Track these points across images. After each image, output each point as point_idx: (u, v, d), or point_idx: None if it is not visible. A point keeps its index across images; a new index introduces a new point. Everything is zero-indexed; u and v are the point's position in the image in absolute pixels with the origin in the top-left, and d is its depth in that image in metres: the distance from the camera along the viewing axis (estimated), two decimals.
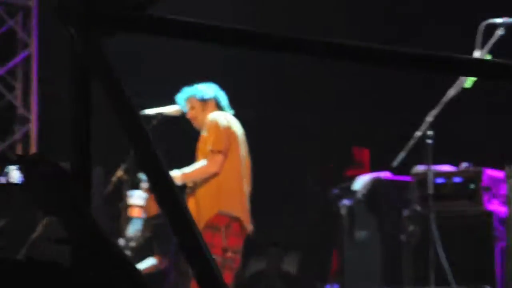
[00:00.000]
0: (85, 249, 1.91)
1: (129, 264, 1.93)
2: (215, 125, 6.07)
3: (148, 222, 7.71)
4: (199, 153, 6.15)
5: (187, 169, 5.99)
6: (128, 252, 7.54)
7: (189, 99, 6.25)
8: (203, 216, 5.98)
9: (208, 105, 6.19)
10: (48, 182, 1.93)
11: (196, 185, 6.05)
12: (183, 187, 6.01)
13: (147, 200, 7.53)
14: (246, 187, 6.13)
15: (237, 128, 6.15)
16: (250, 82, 9.80)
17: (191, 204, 6.02)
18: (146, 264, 7.55)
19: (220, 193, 5.99)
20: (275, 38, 1.90)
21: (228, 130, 6.07)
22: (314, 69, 10.61)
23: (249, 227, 6.08)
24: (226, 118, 6.12)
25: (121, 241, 7.38)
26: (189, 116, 6.25)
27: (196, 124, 6.24)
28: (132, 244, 7.64)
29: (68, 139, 2.03)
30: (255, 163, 6.24)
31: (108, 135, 9.18)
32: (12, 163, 1.97)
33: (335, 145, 10.90)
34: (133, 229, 7.75)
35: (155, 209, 7.51)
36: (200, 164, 5.99)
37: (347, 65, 9.98)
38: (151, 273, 7.44)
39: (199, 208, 6.00)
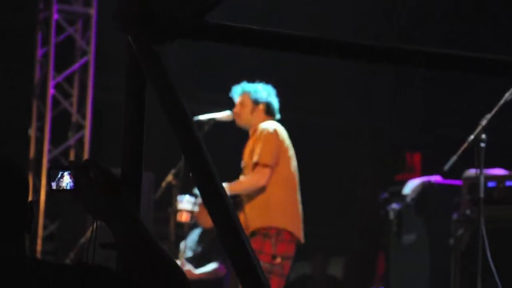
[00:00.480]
0: (133, 254, 1.92)
1: (178, 269, 1.93)
2: (266, 137, 6.06)
3: (206, 233, 7.75)
4: (246, 158, 6.14)
5: (235, 182, 6.00)
6: (189, 260, 7.60)
7: (243, 94, 6.25)
8: (250, 227, 6.00)
9: (257, 108, 6.19)
10: (99, 188, 1.94)
11: (243, 199, 6.06)
12: (232, 198, 6.03)
13: (204, 211, 7.58)
14: (299, 198, 6.12)
15: (287, 138, 6.14)
16: (297, 85, 9.79)
17: (239, 216, 6.04)
18: (205, 269, 7.58)
19: (269, 207, 6.00)
20: (335, 44, 1.90)
21: (278, 142, 6.06)
22: (368, 73, 10.59)
23: (301, 237, 6.07)
24: (277, 129, 6.11)
25: (181, 247, 7.44)
26: (234, 110, 6.25)
27: (238, 121, 6.24)
28: (189, 254, 7.69)
29: (120, 144, 2.04)
30: (304, 167, 6.23)
31: (159, 139, 9.26)
32: (64, 168, 1.99)
33: (387, 149, 10.85)
34: (191, 239, 7.80)
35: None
36: (247, 177, 5.99)
37: (399, 68, 9.96)
38: (209, 280, 7.47)
39: (247, 221, 6.01)
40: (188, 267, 7.30)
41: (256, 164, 5.99)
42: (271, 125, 6.14)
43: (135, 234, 1.94)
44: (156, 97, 1.91)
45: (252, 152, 6.09)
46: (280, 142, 6.09)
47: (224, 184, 5.98)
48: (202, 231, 7.85)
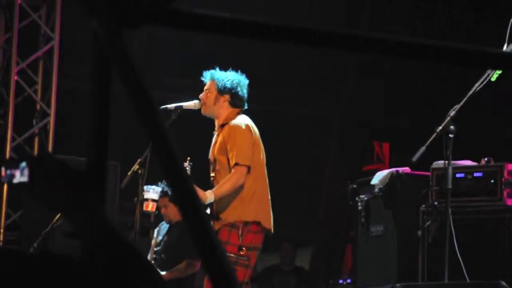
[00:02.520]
0: (95, 244, 1.88)
1: (144, 260, 1.90)
2: (240, 135, 5.99)
3: (175, 226, 7.70)
4: (215, 153, 6.07)
5: (217, 187, 5.96)
6: (157, 256, 7.55)
7: (211, 81, 6.16)
8: (221, 222, 5.98)
9: (221, 98, 6.10)
10: (54, 180, 1.90)
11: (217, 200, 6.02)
12: None
13: (173, 205, 7.53)
14: (268, 189, 6.09)
15: (257, 131, 6.10)
16: (266, 75, 9.76)
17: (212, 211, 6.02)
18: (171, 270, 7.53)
19: (242, 201, 5.97)
20: (308, 31, 1.85)
21: (252, 139, 6.01)
22: (335, 62, 10.58)
23: (270, 227, 6.04)
24: (249, 124, 6.05)
25: (153, 235, 7.38)
26: (201, 96, 6.16)
27: (204, 109, 6.15)
28: (158, 248, 7.64)
29: (85, 133, 1.99)
30: (271, 158, 6.19)
31: (125, 128, 9.19)
32: (18, 161, 1.95)
33: (355, 140, 10.86)
34: (162, 231, 7.76)
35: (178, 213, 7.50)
36: (227, 179, 5.94)
37: (368, 58, 9.97)
38: (180, 278, 7.44)
39: (219, 215, 5.98)
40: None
41: (235, 165, 5.95)
42: (242, 120, 6.07)
43: (95, 224, 1.89)
44: (121, 83, 1.86)
45: (222, 148, 6.02)
46: (253, 138, 6.04)
47: (209, 191, 5.95)
48: (169, 226, 7.80)
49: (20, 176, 1.93)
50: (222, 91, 6.10)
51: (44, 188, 1.92)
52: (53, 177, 1.92)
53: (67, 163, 1.95)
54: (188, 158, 6.06)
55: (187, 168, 6.02)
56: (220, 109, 6.11)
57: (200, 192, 5.87)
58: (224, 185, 5.96)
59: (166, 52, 9.96)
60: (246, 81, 6.16)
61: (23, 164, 1.94)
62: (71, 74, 9.36)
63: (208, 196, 5.91)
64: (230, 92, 6.09)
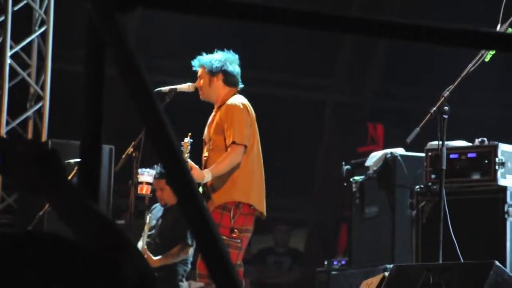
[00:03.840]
0: (78, 226, 1.88)
1: (127, 240, 1.89)
2: (238, 114, 5.98)
3: (170, 210, 7.70)
4: (211, 132, 6.07)
5: (214, 165, 5.94)
6: (151, 241, 7.55)
7: (200, 68, 6.16)
8: (214, 202, 5.97)
9: (214, 79, 6.09)
10: (28, 161, 1.88)
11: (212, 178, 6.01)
12: None
13: (164, 190, 7.52)
14: (262, 170, 6.09)
15: (253, 112, 6.09)
16: (260, 56, 9.74)
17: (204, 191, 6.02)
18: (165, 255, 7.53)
19: (235, 182, 5.97)
20: (301, 13, 1.85)
21: (249, 118, 6.01)
22: (328, 43, 10.56)
23: (263, 210, 6.04)
24: (246, 104, 6.04)
25: (147, 219, 7.38)
26: (196, 84, 6.17)
27: (201, 94, 6.15)
28: (152, 232, 7.64)
29: (79, 116, 1.99)
30: (266, 139, 6.19)
31: (119, 111, 9.17)
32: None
33: (349, 120, 10.85)
34: (156, 215, 7.75)
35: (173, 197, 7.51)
36: (224, 157, 5.93)
37: (362, 39, 9.95)
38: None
39: (212, 196, 5.98)
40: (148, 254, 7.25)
41: (232, 143, 5.94)
42: (239, 100, 6.06)
43: (77, 206, 1.89)
44: (116, 66, 1.85)
45: (219, 128, 6.01)
46: (250, 118, 6.04)
47: (206, 170, 5.94)
48: (164, 210, 7.79)
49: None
50: (213, 72, 6.09)
51: (18, 170, 1.90)
52: (26, 157, 1.91)
53: (41, 144, 1.94)
54: (189, 134, 6.05)
55: (188, 144, 6.00)
56: (216, 90, 6.10)
57: (197, 171, 5.87)
58: (221, 164, 5.95)
59: (161, 34, 9.93)
60: (235, 56, 6.15)
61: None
62: (65, 57, 9.32)
63: (206, 175, 5.91)
64: (221, 70, 6.09)
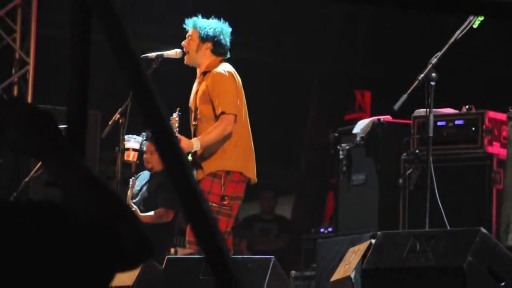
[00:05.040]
0: (75, 190, 1.86)
1: (124, 204, 1.89)
2: (225, 83, 5.95)
3: (154, 176, 7.69)
4: (197, 100, 6.03)
5: (204, 134, 5.92)
6: (136, 203, 7.55)
7: (193, 29, 6.09)
8: (204, 171, 5.96)
9: (204, 46, 6.04)
10: (24, 124, 1.85)
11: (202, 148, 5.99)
12: None
13: (154, 154, 7.51)
14: (251, 137, 6.08)
15: (240, 80, 6.06)
16: (247, 22, 9.69)
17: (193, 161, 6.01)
18: (150, 213, 7.54)
19: (224, 151, 5.95)
20: None
21: (236, 87, 5.98)
22: (315, 11, 10.51)
23: (253, 176, 6.03)
24: (232, 72, 6.00)
25: (130, 183, 7.38)
26: (183, 43, 6.10)
27: (186, 59, 6.10)
28: (136, 199, 7.65)
29: (65, 82, 1.97)
30: (252, 108, 6.17)
31: (105, 77, 9.12)
32: None
33: (336, 88, 10.83)
34: (140, 182, 7.75)
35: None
36: (214, 127, 5.90)
37: (350, 7, 9.91)
38: (155, 224, 7.45)
39: (203, 167, 5.97)
40: (134, 208, 7.26)
41: (221, 114, 5.91)
42: (225, 68, 6.02)
43: (76, 170, 1.87)
44: (103, 32, 1.83)
45: (205, 96, 5.98)
46: (237, 86, 6.01)
47: (195, 139, 5.92)
48: (150, 175, 7.79)
49: None
50: (205, 39, 6.04)
51: (16, 132, 1.87)
52: (23, 121, 1.87)
53: (37, 107, 1.91)
54: (178, 109, 6.02)
55: (177, 119, 5.99)
56: (203, 57, 6.06)
57: (185, 140, 5.85)
58: (211, 133, 5.93)
59: (148, 0, 9.87)
60: (229, 29, 6.10)
61: None
62: (50, 23, 9.25)
63: (194, 143, 5.90)
64: (213, 40, 6.04)
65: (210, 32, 6.03)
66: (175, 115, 5.98)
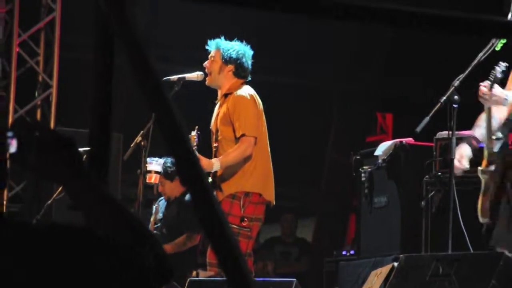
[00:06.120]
0: (95, 215, 1.86)
1: (145, 230, 1.89)
2: (246, 106, 5.96)
3: (173, 202, 7.69)
4: (218, 123, 6.05)
5: (224, 155, 5.93)
6: (157, 232, 7.55)
7: (216, 50, 6.12)
8: (223, 192, 5.96)
9: (226, 68, 6.06)
10: (45, 149, 1.86)
11: (222, 169, 6.00)
12: None
13: (167, 182, 7.51)
14: (270, 159, 6.08)
15: (261, 103, 6.07)
16: (267, 45, 9.71)
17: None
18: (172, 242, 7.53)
19: (244, 173, 5.96)
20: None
21: (257, 110, 6.00)
22: (336, 31, 10.51)
23: (272, 199, 6.03)
24: (253, 95, 6.02)
25: (153, 210, 7.38)
26: (205, 64, 6.12)
27: (208, 80, 6.12)
28: (158, 225, 7.65)
29: (88, 105, 1.97)
30: (273, 129, 6.17)
31: (128, 100, 9.15)
32: (9, 130, 1.90)
33: (358, 110, 10.81)
34: (161, 209, 7.74)
35: (178, 190, 7.51)
36: (234, 148, 5.91)
37: (370, 27, 9.90)
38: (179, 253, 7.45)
39: (222, 186, 5.97)
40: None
41: (242, 136, 5.92)
42: (247, 91, 6.04)
43: (96, 195, 1.88)
44: (125, 55, 1.84)
45: (226, 119, 6.00)
46: (258, 109, 6.03)
47: (215, 159, 5.93)
48: (168, 202, 7.78)
49: (14, 146, 1.89)
50: (228, 60, 6.06)
51: (34, 158, 1.88)
52: (44, 146, 1.88)
53: (58, 131, 1.92)
54: (196, 127, 6.03)
55: (195, 137, 5.99)
56: (224, 79, 6.08)
57: (205, 160, 5.86)
58: (231, 154, 5.94)
59: (170, 24, 9.91)
60: (251, 52, 6.12)
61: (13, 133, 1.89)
62: (73, 45, 9.31)
63: (214, 163, 5.91)
64: (236, 63, 6.06)
65: (233, 55, 6.05)
66: (193, 133, 5.99)
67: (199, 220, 1.87)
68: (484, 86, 4.81)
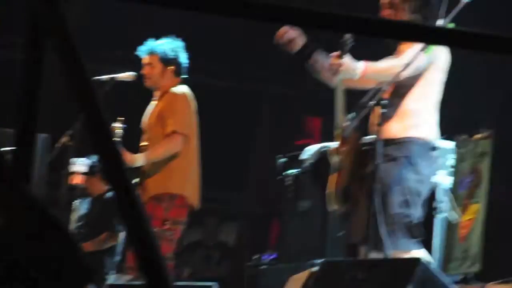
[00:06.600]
0: (13, 215, 1.86)
1: (64, 231, 1.88)
2: (181, 104, 5.95)
3: (96, 200, 7.63)
4: (152, 120, 6.02)
5: (151, 150, 5.89)
6: (78, 230, 7.48)
7: (150, 54, 6.09)
8: (149, 193, 5.93)
9: (167, 70, 6.04)
10: None
11: (147, 166, 5.95)
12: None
13: (93, 179, 7.45)
14: (199, 162, 6.07)
15: (195, 103, 6.07)
16: (201, 46, 9.70)
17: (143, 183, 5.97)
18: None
19: (172, 174, 5.92)
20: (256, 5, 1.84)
21: (191, 109, 5.99)
22: (268, 34, 10.54)
23: (195, 203, 6.02)
24: (189, 94, 6.01)
25: (73, 206, 7.32)
26: (144, 71, 6.09)
27: (148, 83, 6.09)
28: (80, 223, 7.58)
29: (14, 104, 1.97)
30: (202, 130, 6.17)
31: (56, 100, 9.03)
32: None
33: (287, 114, 10.86)
34: (83, 207, 7.68)
35: (100, 187, 7.46)
36: (162, 144, 5.88)
37: (306, 30, 9.94)
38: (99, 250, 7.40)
39: (148, 187, 5.94)
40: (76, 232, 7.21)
41: (172, 132, 5.89)
42: (183, 89, 6.03)
43: (16, 194, 1.87)
44: (54, 55, 1.84)
45: (160, 116, 5.97)
46: (192, 109, 6.02)
47: (139, 154, 5.88)
48: (91, 200, 7.73)
49: None
50: (168, 62, 6.04)
51: None
52: None
53: None
54: (122, 119, 5.96)
55: (120, 129, 5.92)
56: (166, 80, 6.06)
57: (128, 155, 5.80)
58: (158, 149, 5.90)
59: (102, 23, 9.84)
60: (183, 44, 6.12)
61: None
62: (1, 44, 9.18)
63: (138, 158, 5.85)
64: (175, 62, 6.06)
65: (171, 54, 6.04)
66: (117, 124, 5.92)
67: (121, 220, 1.88)
68: (334, 57, 4.85)
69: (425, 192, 4.98)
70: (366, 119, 5.02)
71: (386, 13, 4.89)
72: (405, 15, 4.83)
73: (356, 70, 4.81)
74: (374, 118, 4.97)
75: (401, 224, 4.76)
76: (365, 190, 4.91)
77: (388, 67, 4.84)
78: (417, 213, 4.95)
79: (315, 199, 6.97)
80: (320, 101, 10.92)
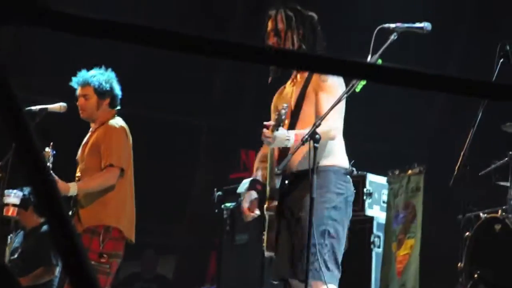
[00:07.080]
0: None
1: (3, 268, 1.84)
2: (117, 137, 5.91)
3: (31, 233, 7.50)
4: (86, 151, 5.96)
5: (84, 180, 5.83)
6: (13, 264, 7.33)
7: (84, 86, 6.05)
8: (82, 225, 5.85)
9: (104, 102, 6.01)
10: None
11: (81, 197, 5.88)
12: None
13: (27, 211, 7.33)
14: (133, 198, 6.02)
15: (130, 136, 6.03)
16: (137, 77, 9.67)
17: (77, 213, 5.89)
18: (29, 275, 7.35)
19: (105, 206, 5.86)
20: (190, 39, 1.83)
21: (127, 142, 5.95)
22: (204, 67, 10.57)
23: (132, 236, 5.96)
24: (125, 128, 5.98)
25: (8, 241, 7.17)
26: (79, 103, 6.04)
27: (83, 114, 6.05)
28: (15, 256, 7.44)
29: None
30: (138, 163, 6.13)
31: None
32: None
33: (223, 146, 10.87)
34: (18, 240, 7.54)
35: (35, 220, 7.34)
36: (97, 175, 5.83)
37: (237, 64, 10.00)
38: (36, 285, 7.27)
39: (81, 218, 5.86)
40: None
41: (108, 166, 5.84)
42: (119, 122, 6.00)
43: None
44: None
45: (96, 148, 5.92)
46: (128, 142, 5.98)
47: (73, 183, 5.82)
48: (26, 233, 7.60)
49: None
50: (103, 95, 6.02)
51: None
52: None
53: None
54: (51, 143, 5.88)
55: (50, 154, 5.83)
56: (102, 112, 6.03)
57: (62, 183, 5.73)
58: (92, 181, 5.84)
59: (34, 51, 9.75)
60: (114, 75, 6.10)
61: None
62: None
63: (71, 188, 5.78)
64: (111, 94, 6.03)
65: (106, 86, 6.02)
66: (48, 149, 5.84)
67: (56, 252, 1.84)
68: (267, 128, 4.91)
69: (347, 223, 4.99)
70: None
71: (272, 41, 4.92)
72: (291, 44, 4.86)
73: (290, 139, 4.84)
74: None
75: (322, 254, 4.76)
76: (286, 222, 4.92)
77: (323, 132, 4.86)
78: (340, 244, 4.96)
79: (252, 232, 6.97)
80: (257, 134, 11.00)
